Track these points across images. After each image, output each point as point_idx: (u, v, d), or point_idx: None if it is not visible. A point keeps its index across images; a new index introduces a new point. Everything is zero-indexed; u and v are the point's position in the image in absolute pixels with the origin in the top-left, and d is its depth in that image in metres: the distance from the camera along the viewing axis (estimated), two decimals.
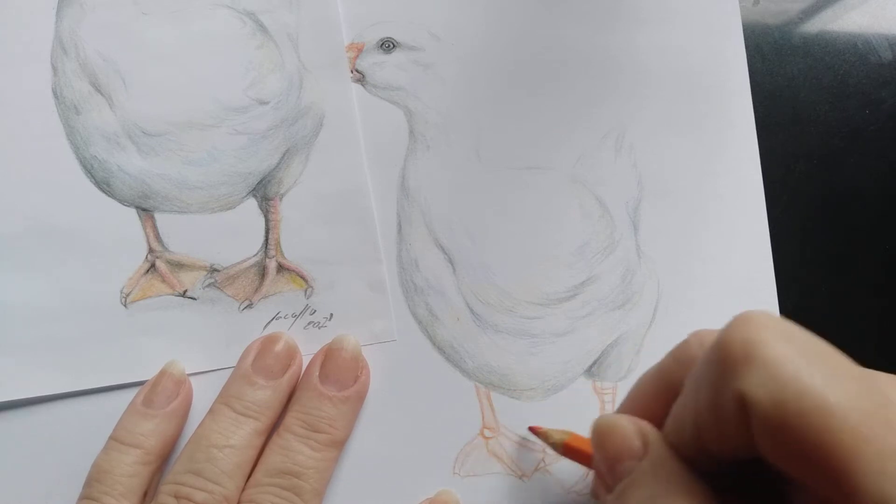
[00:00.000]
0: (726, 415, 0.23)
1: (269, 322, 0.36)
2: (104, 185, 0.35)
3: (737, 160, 0.38)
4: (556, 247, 0.37)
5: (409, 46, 0.37)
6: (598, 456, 0.28)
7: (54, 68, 0.35)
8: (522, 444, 0.37)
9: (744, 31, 0.39)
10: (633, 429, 0.27)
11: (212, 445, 0.32)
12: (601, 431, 0.28)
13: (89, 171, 0.35)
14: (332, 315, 0.36)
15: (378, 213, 0.36)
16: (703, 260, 0.38)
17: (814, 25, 0.41)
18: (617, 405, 0.37)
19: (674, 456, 0.26)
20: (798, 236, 0.40)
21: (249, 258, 0.36)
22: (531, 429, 0.36)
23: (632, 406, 0.30)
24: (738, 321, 0.23)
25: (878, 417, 0.20)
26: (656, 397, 0.29)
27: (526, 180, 0.37)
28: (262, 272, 0.36)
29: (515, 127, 0.37)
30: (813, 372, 0.21)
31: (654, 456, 0.26)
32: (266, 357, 0.35)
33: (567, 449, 0.33)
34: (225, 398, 0.34)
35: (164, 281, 0.36)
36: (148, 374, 0.35)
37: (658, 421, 0.27)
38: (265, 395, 0.34)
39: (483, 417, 0.36)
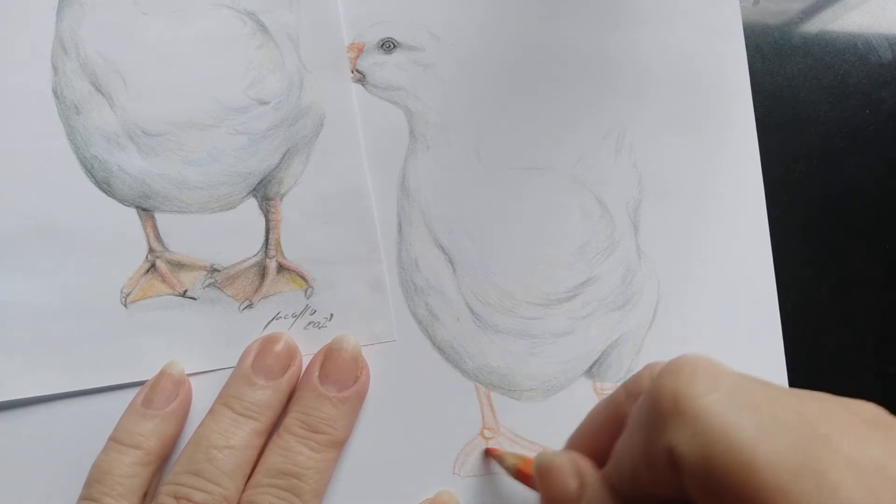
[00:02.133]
0: (658, 463, 0.22)
1: (269, 322, 0.36)
2: (104, 185, 0.35)
3: (737, 160, 0.38)
4: (556, 247, 0.37)
5: (410, 46, 0.37)
6: (541, 493, 0.28)
7: (55, 68, 0.35)
8: (522, 444, 0.37)
9: (744, 31, 0.39)
10: (570, 468, 0.27)
11: (211, 446, 0.32)
12: (541, 469, 0.28)
13: (90, 171, 0.35)
14: (332, 315, 0.36)
15: (378, 214, 0.36)
16: (703, 260, 0.38)
17: (814, 25, 0.41)
18: None
19: (610, 498, 0.25)
20: (798, 236, 0.40)
21: (249, 258, 0.36)
22: (488, 450, 0.36)
23: (583, 436, 0.30)
24: (669, 370, 0.23)
25: (808, 473, 0.19)
26: (607, 429, 0.28)
27: (526, 180, 0.37)
28: (263, 272, 0.36)
29: (516, 127, 0.37)
30: (743, 425, 0.21)
31: (589, 498, 0.26)
32: (266, 357, 0.35)
33: (519, 474, 0.33)
34: (225, 398, 0.34)
35: (164, 281, 0.36)
36: (148, 374, 0.35)
37: (604, 451, 0.27)
38: (265, 395, 0.34)
39: (483, 418, 0.36)
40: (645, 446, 0.23)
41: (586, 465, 0.27)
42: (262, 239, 0.36)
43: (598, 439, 0.29)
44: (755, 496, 0.20)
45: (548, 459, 0.27)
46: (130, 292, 0.35)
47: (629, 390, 0.28)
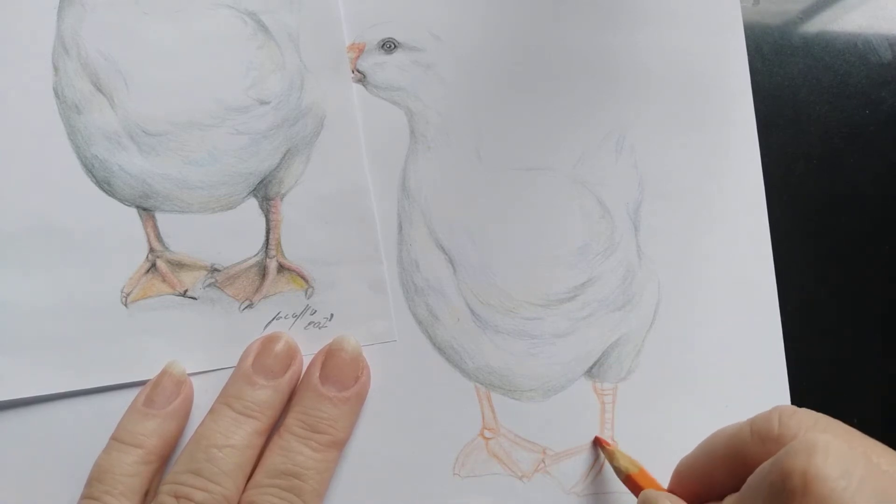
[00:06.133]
0: None
1: (270, 322, 0.36)
2: (105, 185, 0.35)
3: (737, 161, 0.38)
4: (556, 248, 0.37)
5: (410, 47, 0.37)
6: None
7: (55, 68, 0.35)
8: (522, 444, 0.37)
9: (744, 31, 0.39)
10: None
11: (212, 445, 0.32)
12: None
13: (90, 171, 0.35)
14: (332, 315, 0.36)
15: (379, 214, 0.36)
16: (703, 261, 0.38)
17: (814, 25, 0.41)
18: (617, 407, 0.37)
19: None
20: (798, 236, 0.40)
21: (250, 258, 0.36)
22: (597, 439, 0.36)
23: (695, 465, 0.31)
24: (801, 447, 0.23)
25: None
26: (724, 464, 0.29)
27: (526, 181, 0.37)
28: (263, 272, 0.36)
29: (516, 127, 0.37)
30: None
31: None
32: (266, 357, 0.35)
33: (629, 481, 0.34)
34: (225, 398, 0.34)
35: (164, 280, 0.36)
36: (148, 373, 0.35)
37: (721, 486, 0.28)
38: (265, 394, 0.34)
39: (483, 418, 0.36)
40: None
41: None
42: (262, 239, 0.36)
43: (712, 471, 0.30)
44: None
45: (654, 499, 0.29)
46: (131, 292, 0.35)
47: (756, 430, 0.28)
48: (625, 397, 0.37)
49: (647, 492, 0.30)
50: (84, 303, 0.35)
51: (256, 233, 0.36)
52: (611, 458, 0.35)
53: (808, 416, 0.27)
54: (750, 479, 0.26)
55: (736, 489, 0.27)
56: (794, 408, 0.28)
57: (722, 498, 0.28)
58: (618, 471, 0.35)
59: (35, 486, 0.34)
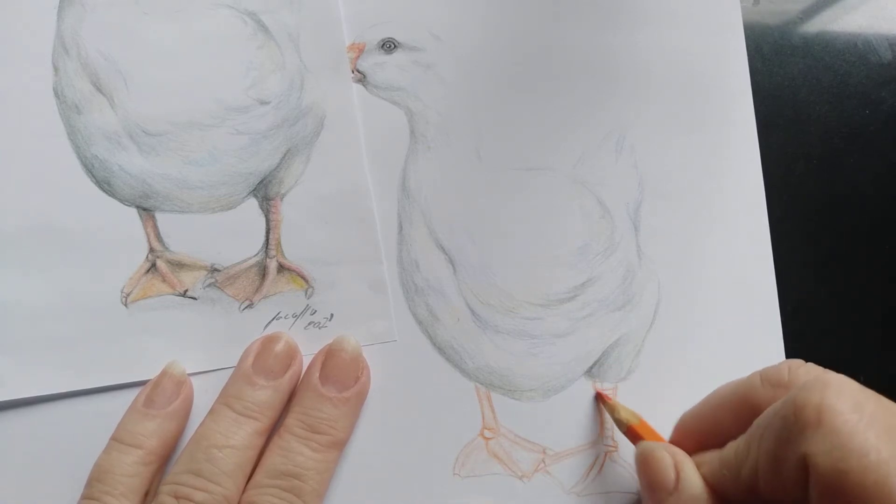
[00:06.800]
0: (786, 469, 0.24)
1: (270, 322, 0.36)
2: (105, 185, 0.35)
3: (737, 160, 0.38)
4: (556, 248, 0.37)
5: (410, 47, 0.37)
6: (640, 480, 0.30)
7: (55, 68, 0.35)
8: (522, 444, 0.37)
9: (744, 31, 0.39)
10: (668, 461, 0.29)
11: (212, 445, 0.32)
12: (641, 458, 0.30)
13: (90, 171, 0.35)
14: (332, 315, 0.36)
15: (379, 214, 0.36)
16: (703, 261, 0.38)
17: (814, 25, 0.41)
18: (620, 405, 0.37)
19: (705, 494, 0.27)
20: (798, 236, 0.40)
21: (250, 258, 0.36)
22: (599, 393, 0.36)
23: (700, 414, 0.32)
24: (816, 383, 0.24)
25: None
26: (730, 410, 0.30)
27: (527, 181, 0.37)
28: (263, 272, 0.36)
29: (516, 127, 0.37)
30: (880, 448, 0.22)
31: (684, 493, 0.27)
32: (266, 357, 0.35)
33: (630, 432, 0.34)
34: (225, 398, 0.34)
35: (164, 280, 0.36)
36: (148, 373, 0.35)
37: (725, 434, 0.29)
38: (265, 395, 0.34)
39: (483, 418, 0.36)
40: (776, 450, 0.24)
41: (684, 459, 0.29)
42: (262, 239, 0.36)
43: (716, 419, 0.31)
44: None
45: (649, 449, 0.30)
46: (131, 292, 0.35)
47: (767, 377, 0.29)
48: (625, 397, 0.37)
49: (643, 443, 0.31)
50: (84, 303, 0.35)
51: (256, 233, 0.36)
52: (612, 410, 0.35)
53: (816, 367, 0.29)
54: (758, 419, 0.26)
55: (738, 436, 0.28)
56: (803, 361, 0.29)
57: (723, 444, 0.28)
58: (619, 423, 0.35)
59: (35, 486, 0.34)
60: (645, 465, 0.29)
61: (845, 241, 0.40)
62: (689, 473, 0.28)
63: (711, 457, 0.29)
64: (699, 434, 0.32)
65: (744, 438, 0.27)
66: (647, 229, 0.38)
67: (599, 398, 0.36)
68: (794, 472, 0.23)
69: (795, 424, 0.23)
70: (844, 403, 0.23)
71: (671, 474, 0.28)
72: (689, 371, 0.37)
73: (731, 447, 0.27)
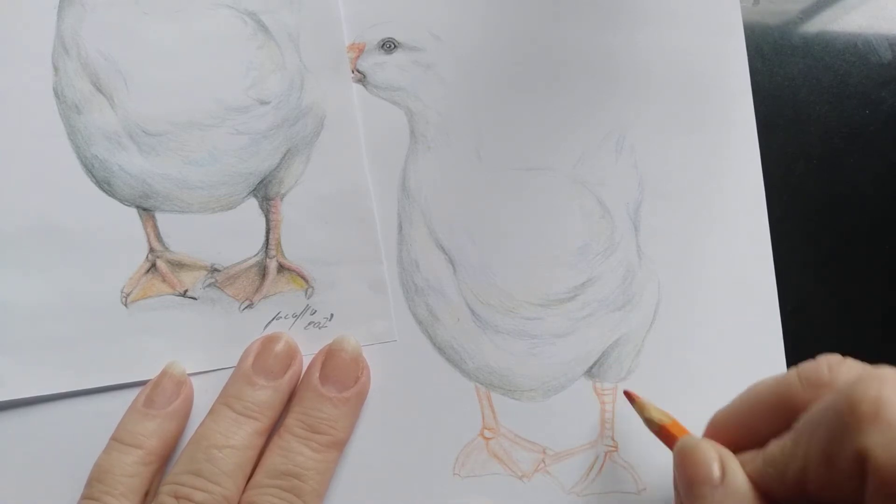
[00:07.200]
0: (840, 466, 0.23)
1: (270, 322, 0.36)
2: (105, 185, 0.35)
3: (737, 160, 0.38)
4: (556, 248, 0.37)
5: (410, 47, 0.37)
6: (678, 475, 0.29)
7: (55, 68, 0.35)
8: (522, 444, 0.37)
9: (744, 31, 0.39)
10: (713, 455, 0.28)
11: (212, 446, 0.32)
12: (683, 452, 0.29)
13: (90, 171, 0.35)
14: (332, 315, 0.36)
15: (379, 214, 0.36)
16: (703, 261, 0.38)
17: (814, 25, 0.41)
18: (617, 407, 0.37)
19: (751, 490, 0.26)
20: (798, 237, 0.40)
21: (250, 258, 0.36)
22: (627, 393, 0.35)
23: (734, 414, 0.31)
24: (872, 377, 0.24)
25: None
26: (767, 411, 0.29)
27: (527, 181, 0.37)
28: (263, 272, 0.36)
29: (516, 127, 0.37)
30: None
31: (729, 487, 0.27)
32: (266, 357, 0.35)
33: (662, 431, 0.33)
34: (225, 398, 0.34)
35: (164, 281, 0.36)
36: (148, 373, 0.35)
37: (761, 434, 0.28)
38: (265, 395, 0.34)
39: (483, 418, 0.36)
40: (829, 446, 0.24)
41: (728, 455, 0.28)
42: (262, 239, 0.36)
43: (751, 419, 0.30)
44: None
45: (692, 443, 0.29)
46: (131, 292, 0.35)
47: (805, 376, 0.28)
48: (625, 397, 0.37)
49: (686, 437, 0.30)
50: (84, 303, 0.35)
51: (256, 233, 0.36)
52: (641, 410, 0.34)
53: (855, 363, 0.28)
54: (807, 416, 0.26)
55: (775, 435, 0.27)
56: (840, 356, 0.29)
57: (760, 445, 0.28)
58: (650, 423, 0.34)
59: (35, 486, 0.34)
60: (687, 459, 0.28)
61: (845, 241, 0.40)
62: (735, 469, 0.27)
63: (753, 455, 0.28)
64: (733, 433, 0.31)
65: (790, 436, 0.26)
66: (647, 229, 0.38)
67: (628, 397, 0.36)
68: (849, 468, 0.23)
69: (852, 419, 0.23)
70: None
71: (716, 468, 0.28)
72: (689, 371, 0.37)
73: (777, 445, 0.27)
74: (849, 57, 0.41)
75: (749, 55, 0.39)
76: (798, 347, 0.38)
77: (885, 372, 0.24)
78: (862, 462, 0.22)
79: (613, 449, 0.37)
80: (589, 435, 0.37)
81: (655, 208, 0.38)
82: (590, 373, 0.37)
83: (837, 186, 0.40)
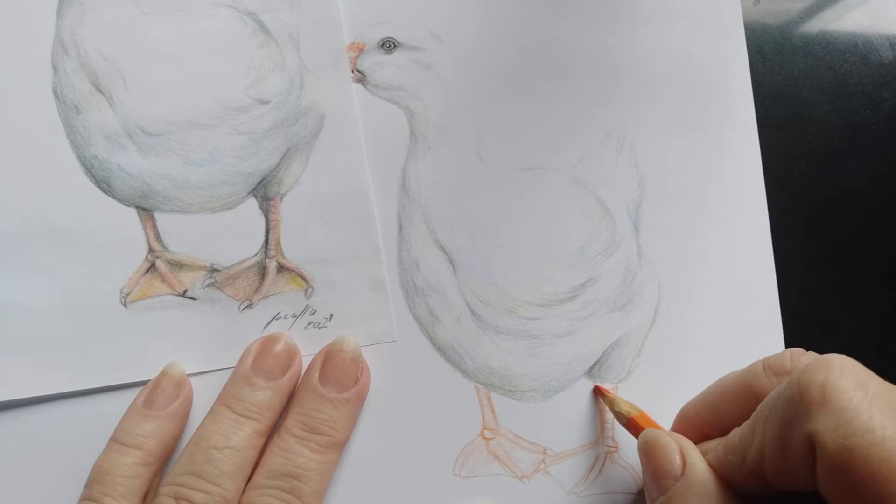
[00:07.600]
0: (792, 450, 0.24)
1: (269, 322, 0.36)
2: (104, 185, 0.35)
3: (738, 161, 0.38)
4: (557, 248, 0.37)
5: (410, 46, 0.37)
6: (643, 468, 0.30)
7: (55, 68, 0.35)
8: (522, 444, 0.37)
9: (744, 31, 0.39)
10: (673, 447, 0.29)
11: (211, 447, 0.32)
12: (645, 445, 0.30)
13: (89, 171, 0.35)
14: (332, 315, 0.36)
15: (379, 214, 0.36)
16: (704, 261, 0.38)
17: (814, 25, 0.41)
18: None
19: (712, 479, 0.27)
20: (799, 236, 0.40)
21: (250, 258, 0.36)
22: (597, 388, 0.36)
23: (703, 403, 0.32)
24: (818, 363, 0.24)
25: None
26: (734, 398, 0.30)
27: (527, 181, 0.37)
28: (263, 272, 0.36)
29: (516, 127, 0.37)
30: (885, 425, 0.22)
31: (690, 478, 0.27)
32: (266, 358, 0.34)
33: (631, 424, 0.34)
34: (225, 399, 0.34)
35: (163, 281, 0.36)
36: (148, 373, 0.35)
37: (728, 423, 0.29)
38: (265, 396, 0.34)
39: (483, 418, 0.36)
40: (781, 431, 0.24)
41: (689, 446, 0.29)
42: (262, 239, 0.36)
43: (718, 408, 0.31)
44: (889, 489, 0.21)
45: (653, 436, 0.30)
46: (130, 292, 0.35)
47: (769, 365, 0.30)
48: (625, 397, 0.37)
49: (647, 431, 0.31)
50: (83, 303, 0.35)
51: (256, 233, 0.36)
52: (611, 404, 0.35)
53: (818, 355, 0.28)
54: (762, 403, 0.26)
55: (741, 424, 0.28)
56: (804, 350, 0.30)
57: (725, 434, 0.28)
58: (619, 416, 0.34)
59: (34, 486, 0.34)
60: (650, 452, 0.29)
61: (845, 241, 0.40)
62: (696, 459, 0.28)
63: (715, 444, 0.29)
64: (701, 424, 0.32)
65: (748, 423, 0.27)
66: (647, 229, 0.38)
67: (598, 392, 0.36)
68: (801, 453, 0.24)
69: (801, 404, 0.24)
70: (848, 381, 0.23)
71: (677, 461, 0.28)
72: (689, 371, 0.37)
73: (736, 433, 0.27)
74: (849, 56, 0.41)
75: (749, 55, 0.39)
76: (798, 347, 0.38)
77: (833, 358, 0.24)
78: (812, 446, 0.23)
79: (614, 449, 0.37)
80: (589, 435, 0.37)
81: (656, 208, 0.38)
82: (590, 373, 0.37)
83: (837, 186, 0.40)
